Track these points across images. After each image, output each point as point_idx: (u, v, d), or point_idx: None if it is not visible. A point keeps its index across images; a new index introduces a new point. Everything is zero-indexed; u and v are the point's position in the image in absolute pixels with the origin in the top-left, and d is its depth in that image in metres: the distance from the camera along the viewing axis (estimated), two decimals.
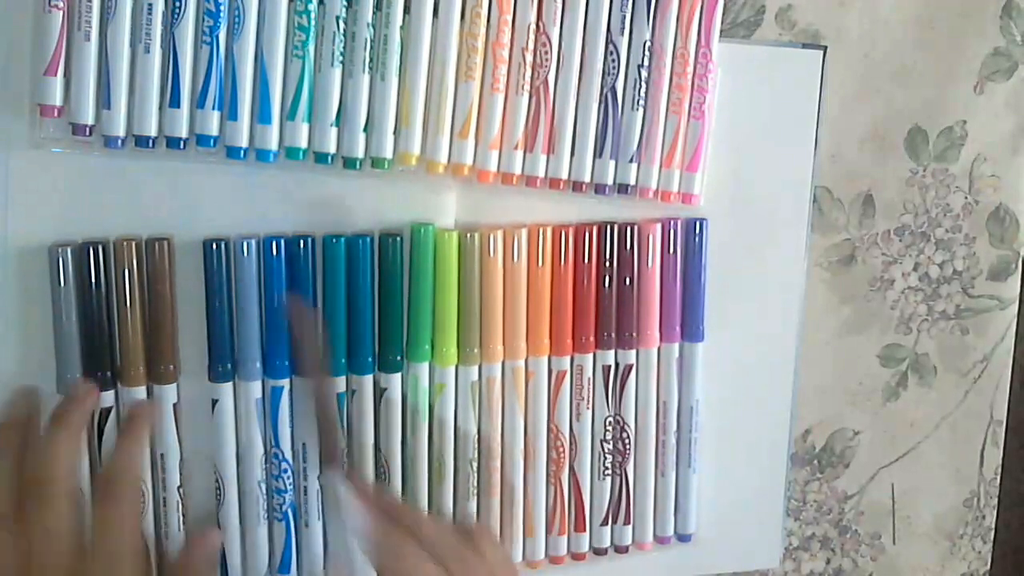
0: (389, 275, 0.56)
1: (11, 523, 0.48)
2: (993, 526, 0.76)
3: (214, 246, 0.53)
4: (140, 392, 0.53)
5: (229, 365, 0.54)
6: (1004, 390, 0.73)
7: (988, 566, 0.76)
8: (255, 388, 0.55)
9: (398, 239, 0.55)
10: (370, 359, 0.56)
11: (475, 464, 0.59)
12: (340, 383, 0.56)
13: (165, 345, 0.53)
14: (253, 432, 0.55)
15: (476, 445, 0.59)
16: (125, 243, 0.51)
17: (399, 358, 0.57)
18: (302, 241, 0.54)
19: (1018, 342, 0.73)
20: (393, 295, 0.56)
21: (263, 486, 0.56)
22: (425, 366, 0.57)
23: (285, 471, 0.56)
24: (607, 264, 0.59)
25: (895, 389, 0.70)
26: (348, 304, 0.55)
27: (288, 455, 0.56)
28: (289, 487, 0.56)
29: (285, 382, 0.55)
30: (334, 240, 0.54)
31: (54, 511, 0.48)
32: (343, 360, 0.56)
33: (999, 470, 0.75)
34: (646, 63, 0.57)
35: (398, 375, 0.57)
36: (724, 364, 0.64)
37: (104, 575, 0.48)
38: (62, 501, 0.49)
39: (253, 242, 0.53)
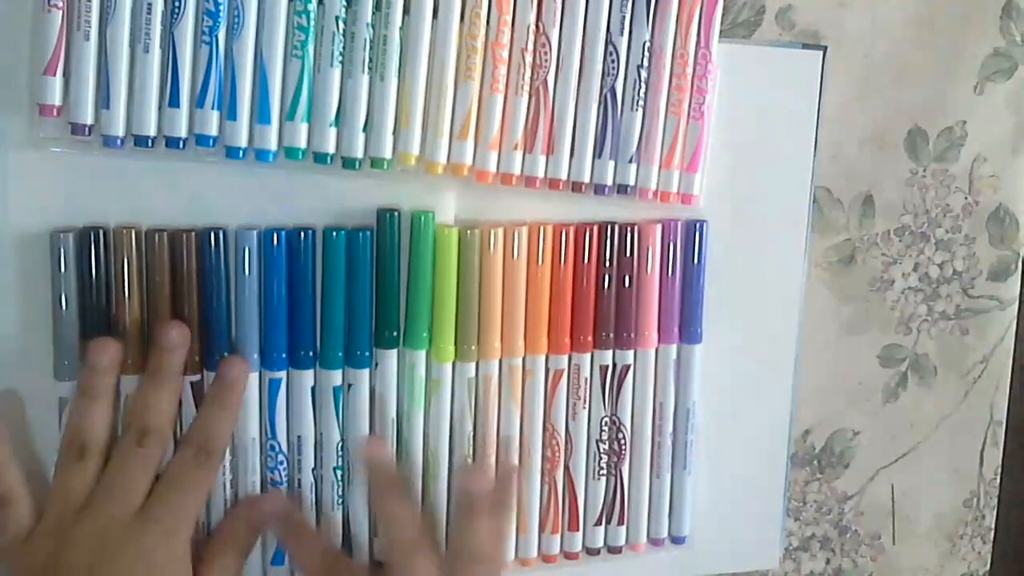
0: (386, 251, 0.56)
1: (99, 461, 0.50)
2: (993, 526, 0.76)
3: (212, 236, 0.53)
4: (135, 381, 0.53)
5: (226, 356, 0.54)
6: (1004, 391, 0.73)
7: (988, 566, 0.76)
8: (252, 380, 0.55)
9: (396, 214, 0.55)
10: (367, 353, 0.56)
11: (470, 461, 0.59)
12: (336, 377, 0.56)
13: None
14: (250, 424, 0.55)
15: (471, 442, 0.59)
16: (125, 231, 0.52)
17: (395, 334, 0.56)
18: (302, 233, 0.54)
19: (1018, 342, 0.73)
20: (390, 271, 0.56)
21: (259, 478, 0.56)
22: (422, 354, 0.57)
23: (281, 463, 0.56)
24: (606, 264, 0.59)
25: (895, 389, 0.70)
26: (347, 299, 0.55)
27: (284, 447, 0.56)
28: (284, 479, 0.56)
29: (282, 374, 0.55)
30: (334, 233, 0.54)
31: (144, 460, 0.51)
32: (340, 354, 0.56)
33: (999, 470, 0.75)
34: (645, 64, 0.57)
35: (394, 351, 0.57)
36: (724, 364, 0.64)
37: (163, 534, 0.50)
38: (156, 452, 0.51)
39: (254, 234, 0.53)
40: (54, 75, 0.49)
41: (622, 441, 0.61)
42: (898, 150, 0.67)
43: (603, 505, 0.62)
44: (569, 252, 0.59)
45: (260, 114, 0.52)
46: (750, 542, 0.68)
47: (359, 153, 0.54)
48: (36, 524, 0.50)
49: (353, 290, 0.55)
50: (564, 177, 0.57)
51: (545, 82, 0.56)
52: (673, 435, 0.63)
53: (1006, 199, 0.70)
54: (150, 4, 0.50)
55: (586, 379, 0.60)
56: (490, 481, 0.56)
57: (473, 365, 0.58)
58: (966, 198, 0.69)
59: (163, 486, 0.51)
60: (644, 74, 0.58)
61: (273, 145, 0.52)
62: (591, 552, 0.63)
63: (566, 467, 0.61)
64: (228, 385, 0.53)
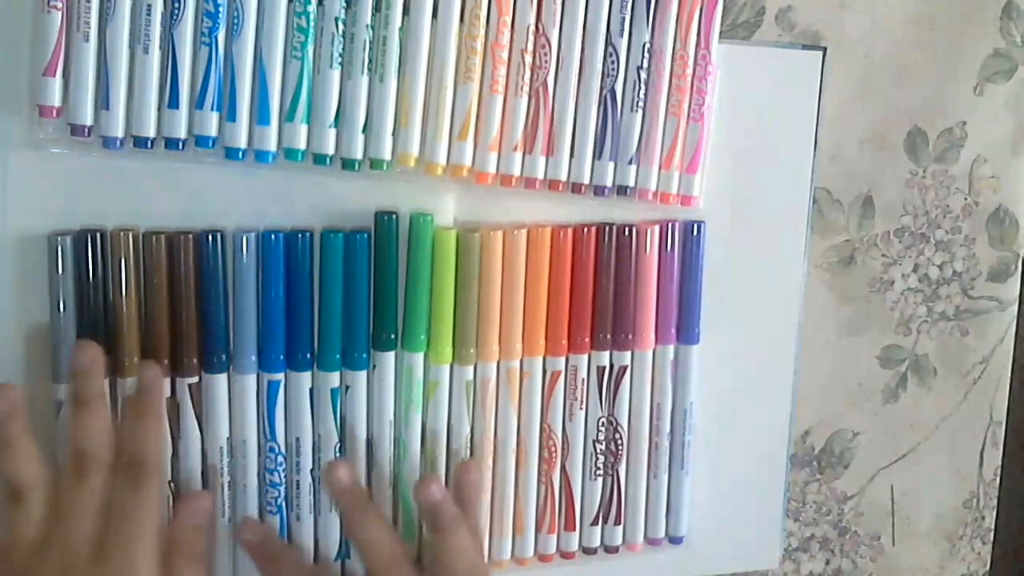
0: (384, 253, 0.56)
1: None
2: (993, 527, 0.76)
3: (210, 238, 0.53)
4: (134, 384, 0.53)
5: (224, 358, 0.54)
6: (1004, 391, 0.73)
7: (987, 567, 0.76)
8: (250, 382, 0.55)
9: (393, 217, 0.55)
10: (365, 355, 0.56)
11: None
12: (334, 379, 0.56)
13: (160, 337, 0.53)
14: (248, 425, 0.55)
15: (468, 443, 0.59)
16: (123, 233, 0.52)
17: (392, 336, 0.56)
18: (300, 235, 0.54)
19: (1018, 343, 0.73)
20: (388, 274, 0.56)
21: (257, 479, 0.56)
22: (420, 356, 0.57)
23: (280, 464, 0.56)
24: (604, 265, 0.59)
25: (895, 390, 0.70)
26: (345, 301, 0.55)
27: (283, 449, 0.56)
28: (282, 480, 0.56)
29: (280, 376, 0.55)
30: (332, 235, 0.54)
31: (89, 491, 0.48)
32: (337, 356, 0.56)
33: (999, 471, 0.75)
34: (645, 65, 0.57)
35: (391, 353, 0.57)
36: (725, 365, 0.64)
37: (122, 566, 0.47)
38: (99, 477, 0.48)
39: (253, 235, 0.53)
40: (54, 76, 0.49)
41: (619, 442, 0.61)
42: (898, 151, 0.67)
43: (600, 505, 0.62)
44: (567, 253, 0.59)
45: (259, 115, 0.52)
46: (750, 542, 0.68)
47: (358, 154, 0.54)
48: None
49: (351, 292, 0.55)
50: (564, 178, 0.57)
51: (545, 83, 0.56)
52: (671, 436, 0.63)
53: (1006, 200, 0.70)
54: (150, 5, 0.50)
55: (583, 380, 0.60)
56: (443, 490, 0.55)
57: (471, 367, 0.58)
58: (966, 199, 0.69)
59: (111, 518, 0.48)
60: (644, 75, 0.57)
61: (272, 146, 0.52)
62: (588, 551, 0.63)
63: (563, 467, 0.61)
64: (144, 391, 0.51)
